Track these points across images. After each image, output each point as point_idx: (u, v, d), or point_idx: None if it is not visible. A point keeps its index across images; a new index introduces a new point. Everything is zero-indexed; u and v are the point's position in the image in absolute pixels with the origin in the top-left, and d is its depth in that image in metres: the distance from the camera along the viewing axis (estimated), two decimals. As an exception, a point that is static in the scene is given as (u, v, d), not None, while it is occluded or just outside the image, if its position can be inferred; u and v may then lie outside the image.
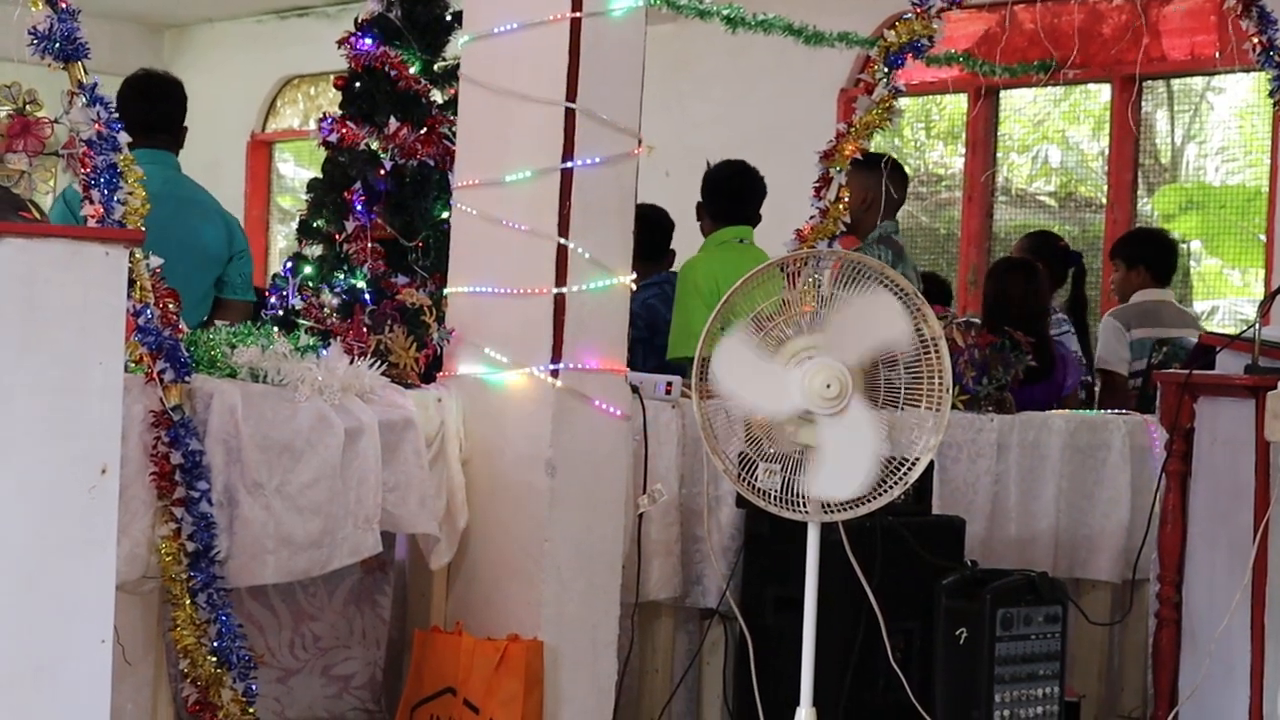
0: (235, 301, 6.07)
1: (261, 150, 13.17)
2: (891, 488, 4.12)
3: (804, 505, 4.14)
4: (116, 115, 4.30)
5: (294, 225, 5.76)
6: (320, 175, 5.57)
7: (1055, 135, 10.20)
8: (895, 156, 6.23)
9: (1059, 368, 6.95)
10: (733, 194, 6.94)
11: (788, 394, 4.06)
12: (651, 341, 6.72)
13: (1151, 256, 7.79)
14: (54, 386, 3.30)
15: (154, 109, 6.10)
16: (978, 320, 6.61)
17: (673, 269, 7.27)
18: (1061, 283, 7.82)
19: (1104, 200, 9.70)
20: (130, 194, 4.28)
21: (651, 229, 7.02)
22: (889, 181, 6.30)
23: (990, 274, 7.40)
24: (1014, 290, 6.95)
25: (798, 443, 4.09)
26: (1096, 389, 7.65)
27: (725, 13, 7.45)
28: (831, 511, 4.14)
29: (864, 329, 4.08)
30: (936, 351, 4.15)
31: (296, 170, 13.21)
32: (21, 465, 3.28)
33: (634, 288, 4.94)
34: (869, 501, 4.13)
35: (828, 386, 4.01)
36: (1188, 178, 9.78)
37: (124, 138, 4.32)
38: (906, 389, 4.16)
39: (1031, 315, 6.82)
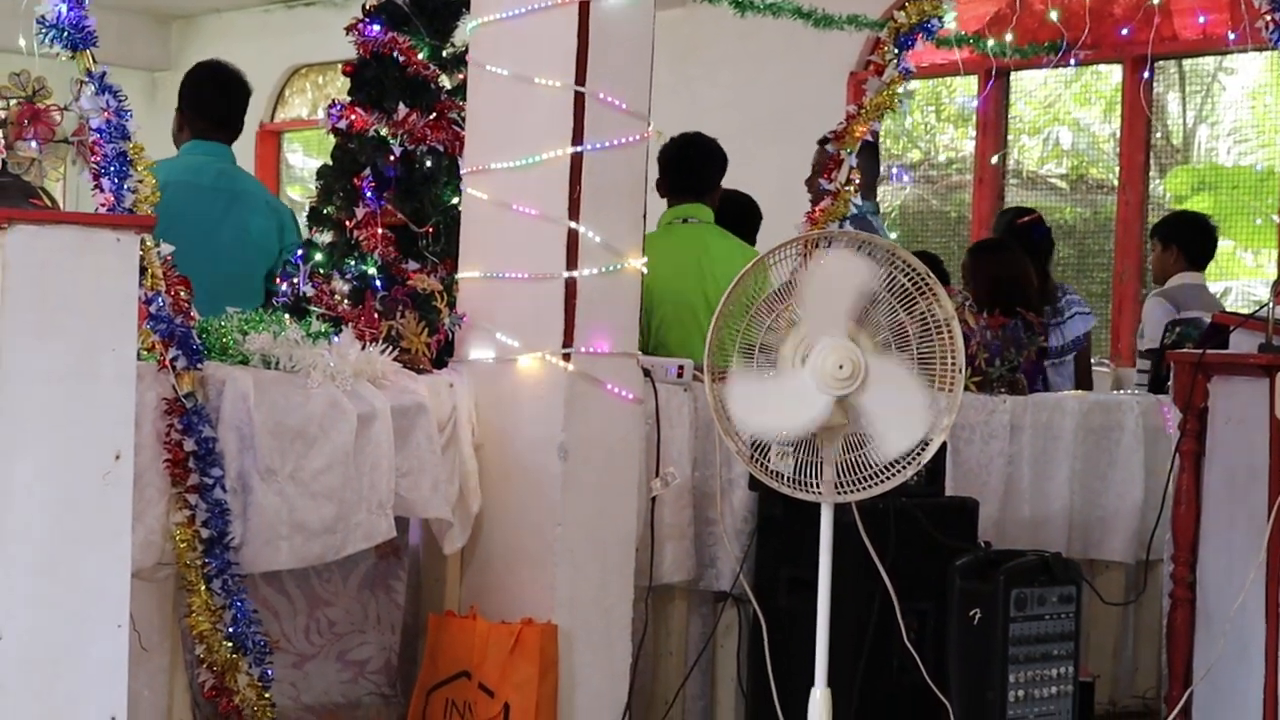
0: None
1: (270, 140, 13.18)
2: (905, 469, 4.11)
3: (817, 486, 4.13)
4: (126, 104, 4.31)
5: (304, 214, 5.76)
6: (330, 162, 5.58)
7: (1066, 117, 10.18)
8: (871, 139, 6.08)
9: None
10: (681, 167, 6.53)
11: (811, 396, 4.03)
12: None
13: (1185, 238, 7.78)
14: (67, 372, 3.31)
15: (228, 102, 6.11)
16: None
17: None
18: (1041, 257, 7.69)
19: (1115, 182, 9.68)
20: (140, 182, 4.29)
21: (742, 213, 6.97)
22: (861, 160, 6.20)
23: (969, 254, 7.35)
24: (993, 270, 6.93)
25: (830, 425, 4.07)
26: (1137, 370, 7.62)
27: (733, -4, 7.41)
28: (845, 492, 4.13)
29: (833, 291, 4.06)
30: (949, 332, 4.14)
31: (305, 160, 13.23)
32: (37, 451, 3.29)
33: (645, 271, 4.93)
34: (882, 482, 4.12)
35: (840, 367, 4.00)
36: (1200, 159, 9.76)
37: (133, 126, 4.32)
38: (920, 371, 4.15)
39: (1015, 293, 6.79)
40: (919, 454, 4.11)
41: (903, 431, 4.05)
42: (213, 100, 6.06)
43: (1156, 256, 7.85)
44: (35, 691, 3.31)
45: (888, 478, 4.12)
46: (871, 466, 4.10)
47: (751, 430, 4.12)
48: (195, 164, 5.86)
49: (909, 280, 4.11)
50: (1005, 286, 6.84)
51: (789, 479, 4.14)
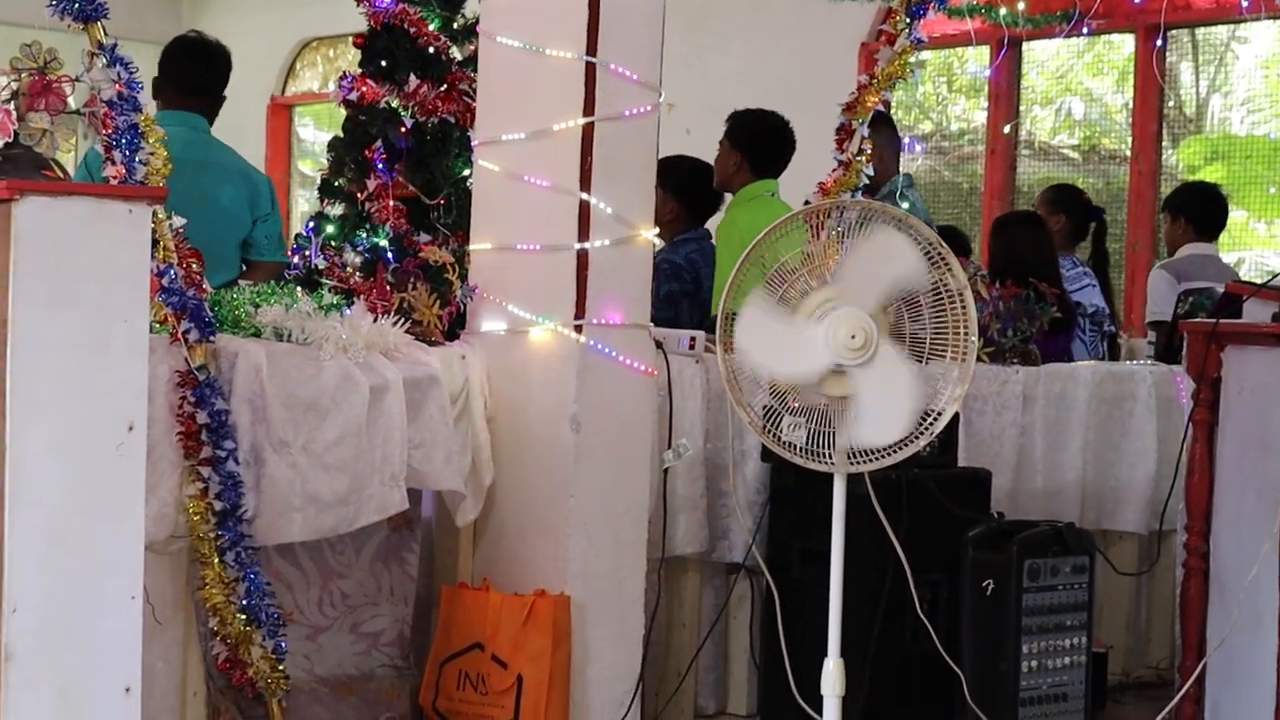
0: (262, 263, 6.06)
1: (281, 114, 13.17)
2: (917, 439, 4.10)
3: (830, 457, 4.13)
4: (137, 76, 4.30)
5: (315, 189, 5.76)
6: (341, 135, 5.57)
7: (1079, 87, 10.16)
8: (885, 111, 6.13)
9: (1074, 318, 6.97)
10: (775, 149, 6.81)
11: (814, 352, 4.03)
12: (696, 295, 6.69)
13: (1193, 209, 7.79)
14: (80, 344, 3.31)
15: (197, 72, 6.10)
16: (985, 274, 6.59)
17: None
18: (1084, 236, 7.80)
19: (1128, 153, 9.66)
20: (152, 154, 4.29)
21: (705, 185, 6.98)
22: (881, 135, 6.22)
23: (996, 229, 7.37)
24: (1023, 244, 6.93)
25: (831, 395, 4.07)
26: (1147, 341, 7.63)
27: (745, -33, 7.41)
28: (857, 463, 4.13)
29: (874, 271, 4.05)
30: (962, 303, 4.13)
31: (316, 134, 13.21)
32: (50, 423, 3.29)
33: (658, 243, 4.93)
34: (894, 453, 4.11)
35: (852, 337, 4.00)
36: (1213, 129, 9.73)
37: (145, 98, 4.32)
38: (931, 341, 4.14)
39: (1040, 265, 6.79)
40: (932, 424, 4.11)
41: (878, 426, 4.05)
42: (185, 69, 6.04)
43: (1167, 229, 7.87)
44: (49, 663, 3.32)
45: (899, 448, 4.11)
46: (860, 444, 4.09)
47: (747, 357, 4.10)
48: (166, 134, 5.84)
49: (921, 250, 4.10)
50: (1029, 260, 6.83)
51: (801, 450, 4.13)
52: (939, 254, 4.10)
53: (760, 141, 6.74)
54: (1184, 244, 7.74)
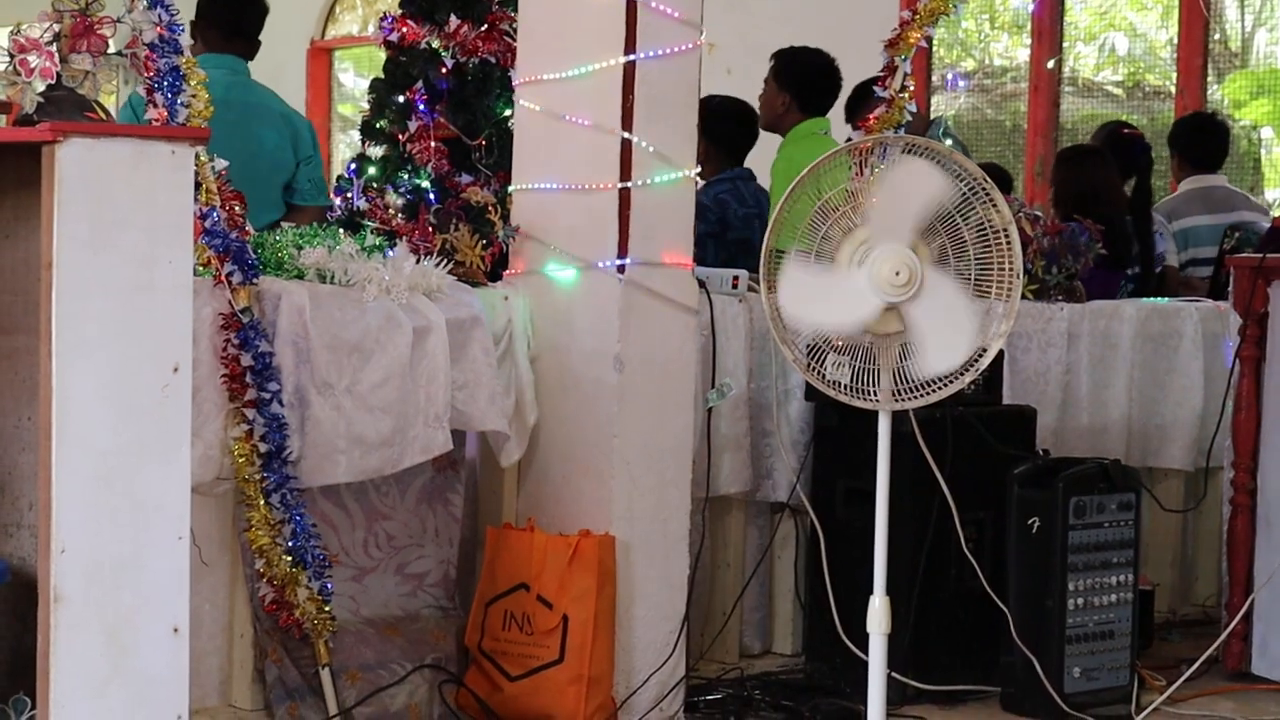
0: (305, 207, 6.06)
1: (321, 58, 13.13)
2: (962, 375, 4.08)
3: (874, 395, 4.11)
4: (178, 18, 4.29)
5: (355, 133, 5.75)
6: (382, 76, 5.56)
7: (1122, 23, 10.06)
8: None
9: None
10: (823, 87, 6.82)
11: (862, 298, 4.00)
12: (722, 236, 6.67)
13: (1182, 141, 7.74)
14: (124, 285, 3.31)
15: (238, 15, 6.11)
16: (1040, 214, 6.54)
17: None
18: (1130, 174, 7.71)
19: (1173, 89, 9.57)
20: (194, 96, 4.28)
21: (739, 124, 6.94)
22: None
23: (1059, 162, 7.32)
24: (1086, 177, 6.88)
25: (877, 333, 4.05)
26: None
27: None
28: (902, 400, 4.11)
29: (902, 202, 4.02)
30: (1006, 239, 4.10)
31: (356, 79, 13.18)
32: (96, 364, 3.30)
33: (700, 181, 4.91)
34: (939, 389, 4.09)
35: (896, 274, 3.97)
36: (1259, 63, 9.63)
37: (185, 40, 4.31)
38: (976, 279, 4.11)
39: (1104, 202, 6.75)
40: (976, 361, 4.08)
41: (944, 352, 4.01)
42: (226, 13, 6.04)
43: (1172, 166, 7.82)
44: (98, 603, 3.33)
45: (945, 385, 4.09)
46: (928, 374, 4.08)
47: (795, 320, 4.08)
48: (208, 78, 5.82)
49: (966, 186, 4.07)
50: (1090, 194, 6.79)
51: (846, 387, 4.12)
52: (984, 190, 4.07)
53: (808, 80, 6.72)
54: (1181, 179, 7.69)
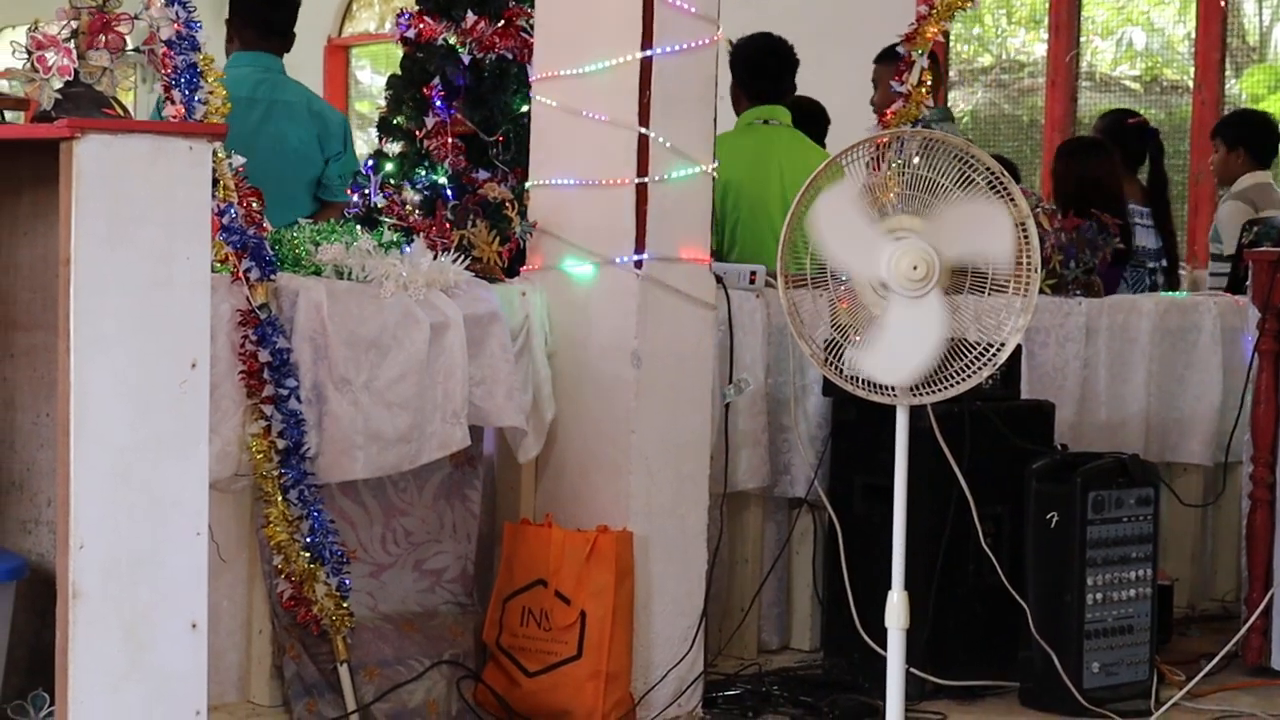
0: (335, 203, 6.06)
1: (338, 55, 13.15)
2: (979, 370, 4.08)
3: (892, 390, 4.10)
4: (195, 15, 4.30)
5: (372, 130, 5.75)
6: (399, 72, 5.56)
7: (1140, 18, 10.04)
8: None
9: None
10: (763, 70, 6.54)
11: (875, 261, 4.00)
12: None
13: (1252, 138, 7.68)
14: (142, 281, 3.31)
15: (271, 12, 6.11)
16: (1056, 209, 6.52)
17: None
18: (1141, 161, 7.65)
19: (1190, 83, 9.56)
20: (211, 93, 4.28)
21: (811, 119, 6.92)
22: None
23: (1056, 155, 7.27)
24: (1087, 171, 6.85)
25: (871, 313, 4.04)
26: (1210, 273, 7.54)
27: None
28: (920, 395, 4.10)
29: (970, 234, 4.01)
30: (1024, 233, 4.09)
31: (373, 77, 13.19)
32: (114, 360, 3.30)
33: (716, 173, 4.90)
34: (957, 384, 4.09)
35: (914, 269, 3.96)
36: (1277, 58, 9.61)
37: (203, 37, 4.31)
38: (994, 273, 4.10)
39: (1103, 194, 6.72)
40: (994, 355, 4.08)
41: (892, 361, 4.02)
42: (263, 12, 6.05)
43: (1222, 158, 7.75)
44: (116, 599, 3.33)
45: (963, 380, 4.09)
46: (947, 368, 4.07)
47: (816, 233, 4.06)
48: (238, 75, 5.82)
49: (984, 180, 4.06)
50: (1089, 186, 6.76)
51: (864, 382, 4.11)
52: (1001, 184, 4.06)
53: (750, 65, 6.53)
54: (1243, 174, 7.65)
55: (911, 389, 4.09)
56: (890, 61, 6.16)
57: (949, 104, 9.65)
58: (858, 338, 4.11)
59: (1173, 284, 7.18)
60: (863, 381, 4.10)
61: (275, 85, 6.07)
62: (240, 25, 6.10)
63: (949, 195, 4.03)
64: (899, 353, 4.00)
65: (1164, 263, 7.32)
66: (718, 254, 5.92)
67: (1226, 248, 7.38)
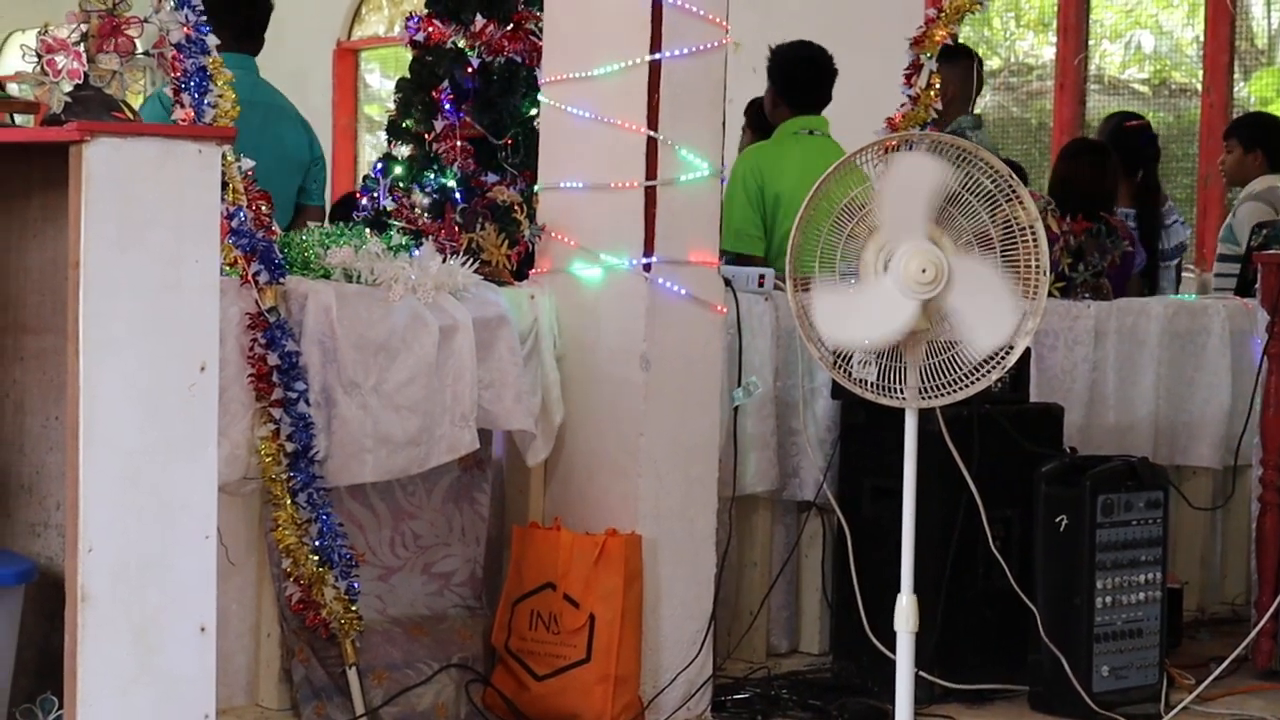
0: (312, 207, 6.05)
1: (348, 58, 13.15)
2: (988, 373, 4.07)
3: (901, 392, 4.10)
4: (205, 19, 4.30)
5: (382, 134, 5.76)
6: (408, 76, 5.57)
7: (1148, 21, 10.04)
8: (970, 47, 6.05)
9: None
10: (806, 80, 6.57)
11: (896, 302, 3.97)
12: None
13: (1270, 141, 7.66)
14: (151, 285, 3.32)
15: (249, 14, 6.09)
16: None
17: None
18: (1140, 165, 7.58)
19: (1199, 86, 9.55)
20: (220, 96, 4.29)
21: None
22: (955, 71, 6.15)
23: (1061, 156, 7.26)
24: (1081, 173, 6.83)
25: (925, 329, 4.02)
26: (1203, 275, 7.52)
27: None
28: (929, 398, 4.10)
29: (906, 194, 3.99)
30: (1033, 236, 4.08)
31: (382, 80, 13.19)
32: (123, 364, 3.30)
33: (725, 179, 4.90)
34: (966, 387, 4.08)
35: (923, 271, 3.96)
36: (1285, 61, 9.60)
37: (213, 40, 4.32)
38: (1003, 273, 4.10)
39: (1097, 198, 6.70)
40: (1003, 358, 4.07)
41: (991, 328, 3.99)
42: (239, 13, 6.02)
43: (1236, 159, 7.72)
44: (125, 602, 3.33)
45: (972, 383, 4.08)
46: (956, 371, 4.06)
47: (840, 344, 4.07)
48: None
49: (992, 183, 4.06)
50: (1091, 189, 6.75)
51: (873, 385, 4.11)
52: (1010, 188, 4.05)
53: (791, 74, 6.58)
54: (1257, 175, 7.63)
55: (921, 391, 4.08)
56: (953, 61, 6.09)
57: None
58: (873, 343, 4.09)
59: (1152, 288, 7.14)
60: (871, 385, 4.10)
61: (263, 89, 6.05)
62: (217, 27, 6.07)
63: (962, 201, 4.02)
64: (989, 314, 3.96)
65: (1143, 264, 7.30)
66: (765, 261, 5.95)
67: (1243, 248, 7.37)
